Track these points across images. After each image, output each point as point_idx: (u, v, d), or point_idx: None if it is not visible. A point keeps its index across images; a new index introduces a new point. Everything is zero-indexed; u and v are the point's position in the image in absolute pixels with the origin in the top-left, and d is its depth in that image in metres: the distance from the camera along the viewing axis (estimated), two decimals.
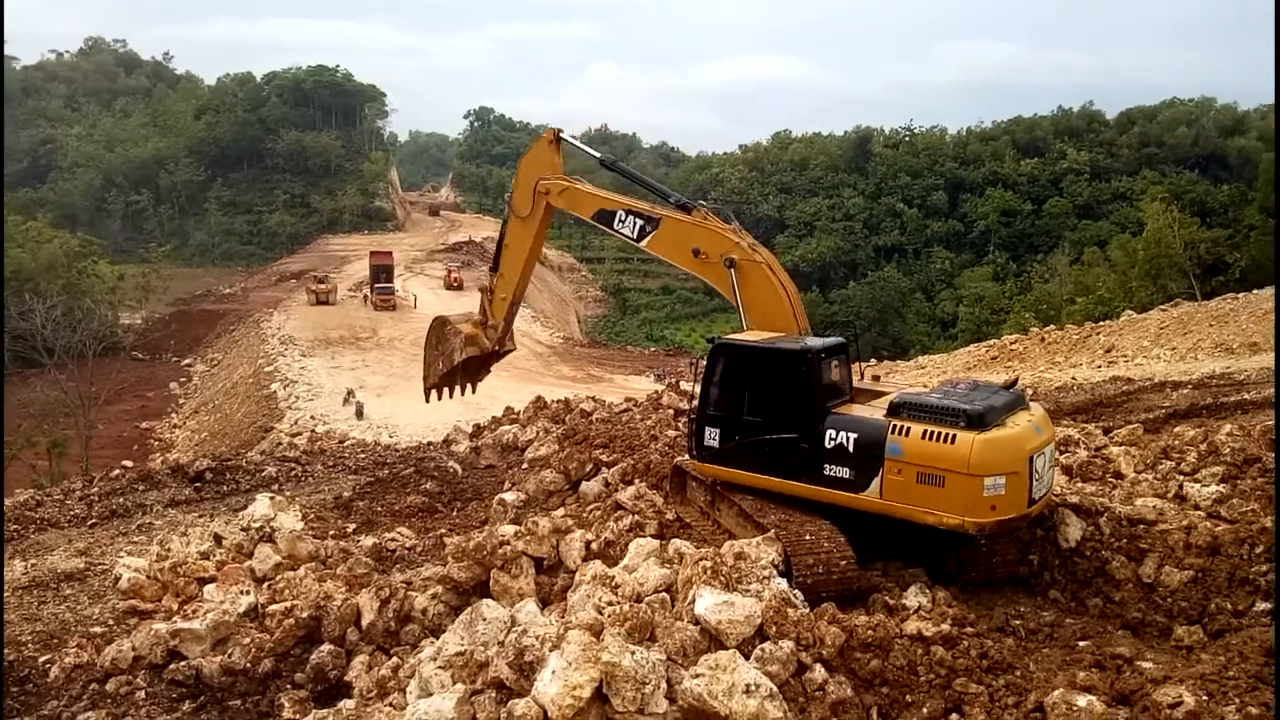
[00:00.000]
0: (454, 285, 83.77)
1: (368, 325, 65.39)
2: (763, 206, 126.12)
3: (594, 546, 10.18)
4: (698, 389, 11.17)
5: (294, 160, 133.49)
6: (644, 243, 13.37)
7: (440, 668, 7.91)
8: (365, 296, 75.86)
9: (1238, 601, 8.70)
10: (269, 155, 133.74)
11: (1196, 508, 10.48)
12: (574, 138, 15.54)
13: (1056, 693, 6.95)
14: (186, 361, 71.24)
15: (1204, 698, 7.01)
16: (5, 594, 10.90)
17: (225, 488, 16.89)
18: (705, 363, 11.00)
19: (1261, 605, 8.50)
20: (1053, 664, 8.09)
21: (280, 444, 33.40)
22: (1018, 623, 8.91)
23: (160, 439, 51.50)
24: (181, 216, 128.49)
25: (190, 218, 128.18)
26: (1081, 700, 6.77)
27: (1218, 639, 8.34)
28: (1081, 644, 8.53)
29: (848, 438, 9.62)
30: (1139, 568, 9.59)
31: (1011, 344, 43.73)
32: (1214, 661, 7.78)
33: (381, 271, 76.63)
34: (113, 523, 15.14)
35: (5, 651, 9.25)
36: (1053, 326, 45.38)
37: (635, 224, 13.44)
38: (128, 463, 32.16)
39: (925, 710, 7.15)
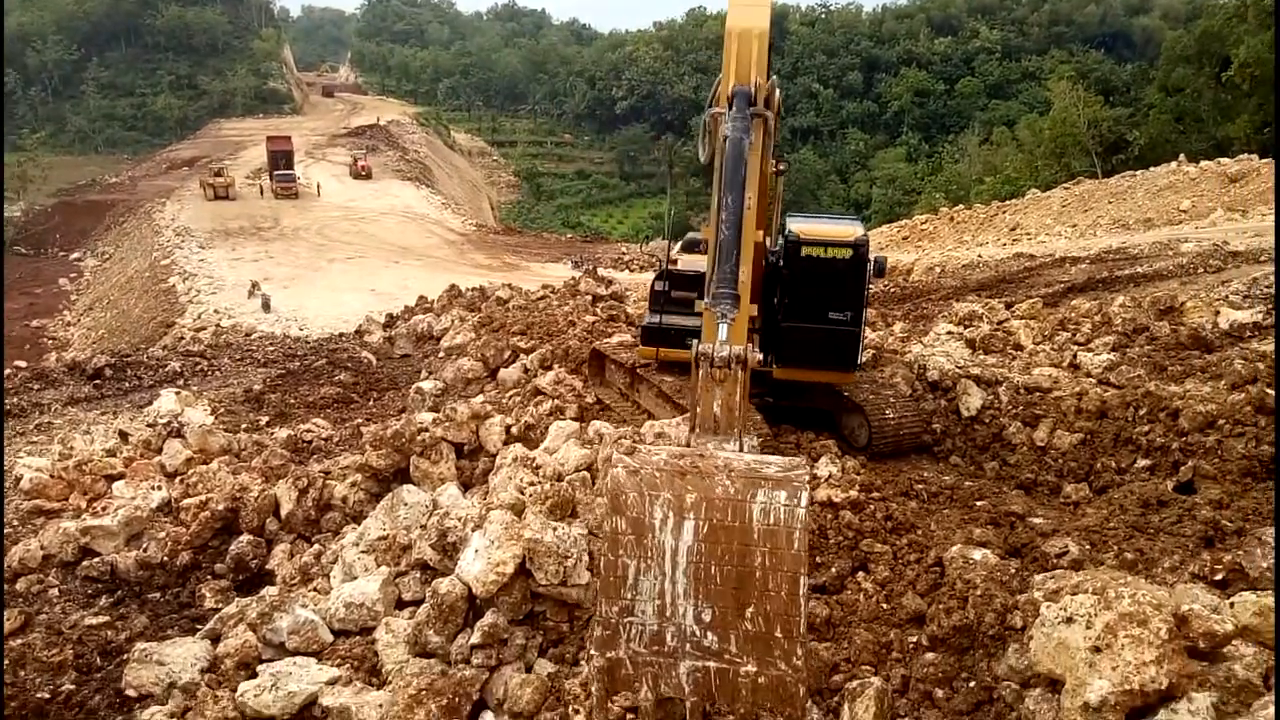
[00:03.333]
0: (362, 174, 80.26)
1: (269, 215, 62.43)
2: (678, 87, 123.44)
3: (514, 430, 10.21)
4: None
5: (176, 38, 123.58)
6: None
7: (363, 552, 7.96)
8: (264, 186, 72.22)
9: (1121, 460, 9.31)
10: (148, 32, 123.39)
11: (1088, 375, 11.06)
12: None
13: (954, 548, 7.39)
14: (75, 256, 67.14)
15: (1087, 547, 7.57)
16: None
17: (127, 384, 16.28)
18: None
19: (1142, 462, 9.13)
20: (952, 523, 8.58)
21: (183, 339, 32.17)
22: (920, 487, 9.37)
23: (54, 337, 48.90)
24: (56, 100, 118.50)
25: (66, 101, 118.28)
26: (977, 554, 7.22)
27: (1101, 494, 8.96)
28: (979, 504, 9.05)
29: None
30: (1033, 432, 10.15)
31: (922, 224, 44.66)
32: (1097, 515, 8.38)
33: (280, 158, 72.73)
34: (8, 423, 14.50)
35: None
36: (961, 206, 46.43)
37: None
38: (20, 362, 30.51)
39: (834, 570, 7.53)
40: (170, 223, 62.55)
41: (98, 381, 16.33)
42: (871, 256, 9.78)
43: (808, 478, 4.26)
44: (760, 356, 7.38)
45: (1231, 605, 5.42)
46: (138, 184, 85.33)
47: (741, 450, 4.45)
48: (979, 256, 27.44)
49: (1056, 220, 35.03)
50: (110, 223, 72.41)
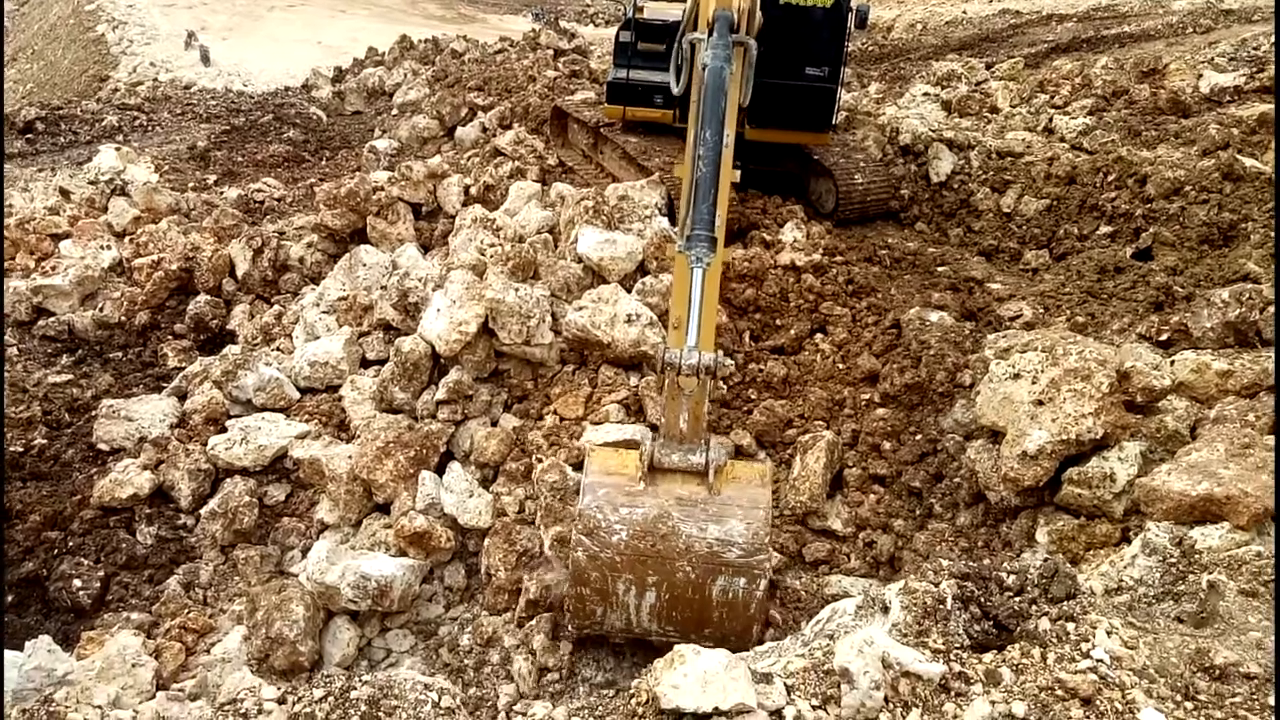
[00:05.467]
0: None
1: None
2: None
3: (473, 191, 9.91)
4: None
5: None
6: None
7: (324, 312, 7.92)
8: None
9: (1084, 227, 9.33)
10: None
11: (1062, 140, 10.85)
12: None
13: (912, 311, 7.52)
14: None
15: (1040, 310, 7.75)
16: None
17: (62, 139, 15.39)
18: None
19: (1104, 229, 9.16)
20: (912, 288, 8.68)
21: (118, 91, 30.21)
22: (884, 252, 9.39)
23: None
24: None
25: None
26: (934, 316, 7.35)
27: (1061, 261, 9.06)
28: (940, 270, 9.13)
29: None
30: (1000, 198, 10.07)
31: None
32: (1054, 280, 8.51)
33: None
34: None
35: None
36: None
37: None
38: None
39: (794, 331, 7.66)
40: None
41: (29, 136, 15.40)
42: (853, 5, 9.20)
43: (770, 564, 4.63)
44: (731, 365, 6.90)
45: (1172, 363, 5.62)
46: None
47: (708, 466, 4.63)
48: (963, 13, 26.05)
49: None
50: None
